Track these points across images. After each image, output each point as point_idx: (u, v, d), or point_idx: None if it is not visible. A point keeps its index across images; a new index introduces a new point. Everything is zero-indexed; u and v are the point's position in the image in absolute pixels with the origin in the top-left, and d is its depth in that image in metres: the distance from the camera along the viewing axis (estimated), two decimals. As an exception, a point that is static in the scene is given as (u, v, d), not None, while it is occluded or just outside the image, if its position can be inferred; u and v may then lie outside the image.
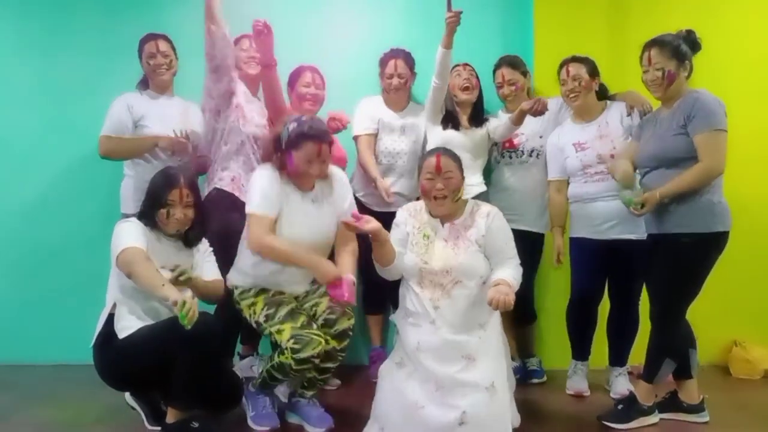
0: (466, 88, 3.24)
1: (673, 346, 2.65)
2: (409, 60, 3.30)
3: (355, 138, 3.36)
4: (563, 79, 3.05)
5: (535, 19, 3.56)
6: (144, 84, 3.11)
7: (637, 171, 2.73)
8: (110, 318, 2.45)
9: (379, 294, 3.37)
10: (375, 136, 3.33)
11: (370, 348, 3.49)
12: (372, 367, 3.32)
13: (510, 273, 2.44)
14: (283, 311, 2.51)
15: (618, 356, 3.12)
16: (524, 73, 3.30)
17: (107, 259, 2.96)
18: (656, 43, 2.62)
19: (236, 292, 2.66)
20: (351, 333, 2.62)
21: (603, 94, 3.12)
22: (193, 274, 2.50)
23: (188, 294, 2.31)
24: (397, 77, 3.27)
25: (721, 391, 3.14)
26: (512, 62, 3.28)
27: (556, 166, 3.17)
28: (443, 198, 2.53)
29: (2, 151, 3.61)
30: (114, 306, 2.46)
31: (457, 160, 2.59)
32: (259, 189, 2.52)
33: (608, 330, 3.16)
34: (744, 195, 3.30)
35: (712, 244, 2.55)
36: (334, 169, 2.74)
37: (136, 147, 2.95)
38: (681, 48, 2.59)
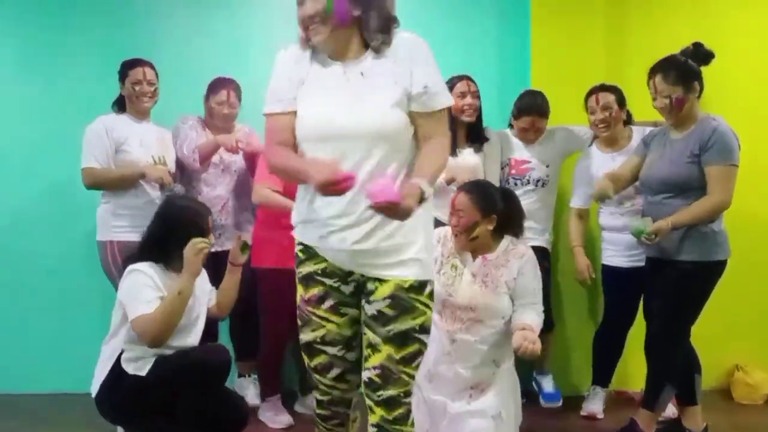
0: (468, 111, 3.07)
1: (673, 372, 2.62)
2: None
3: None
4: (592, 107, 3.01)
5: (532, 32, 3.51)
6: (120, 105, 3.06)
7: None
8: (116, 363, 2.41)
9: None
10: None
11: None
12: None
13: (535, 319, 2.38)
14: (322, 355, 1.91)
15: None
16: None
17: (105, 279, 2.98)
18: (660, 69, 2.56)
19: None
20: (405, 400, 1.81)
21: (628, 121, 3.09)
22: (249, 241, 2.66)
23: None
24: None
25: (724, 415, 3.11)
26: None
27: (583, 195, 3.14)
28: (455, 235, 2.50)
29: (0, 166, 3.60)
30: (121, 352, 2.42)
31: (481, 199, 2.46)
32: None
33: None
34: (746, 218, 3.28)
35: (713, 271, 2.55)
36: None
37: (122, 179, 2.93)
38: (687, 70, 2.54)
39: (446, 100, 1.81)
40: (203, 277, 2.70)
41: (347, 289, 1.85)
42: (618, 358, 3.18)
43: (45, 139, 3.53)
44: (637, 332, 2.97)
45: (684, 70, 2.54)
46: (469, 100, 3.07)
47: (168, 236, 2.46)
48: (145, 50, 3.14)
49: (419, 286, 1.77)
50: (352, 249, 1.76)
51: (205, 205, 2.71)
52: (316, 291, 1.86)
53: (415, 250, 1.77)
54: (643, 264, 2.89)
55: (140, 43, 3.38)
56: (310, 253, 1.86)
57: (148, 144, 2.98)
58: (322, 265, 1.84)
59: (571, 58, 3.30)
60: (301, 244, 1.89)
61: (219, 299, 2.70)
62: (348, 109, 1.74)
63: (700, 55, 2.56)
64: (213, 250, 3.05)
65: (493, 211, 2.46)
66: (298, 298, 1.91)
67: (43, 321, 3.54)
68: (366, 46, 1.78)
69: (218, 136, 3.08)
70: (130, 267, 2.43)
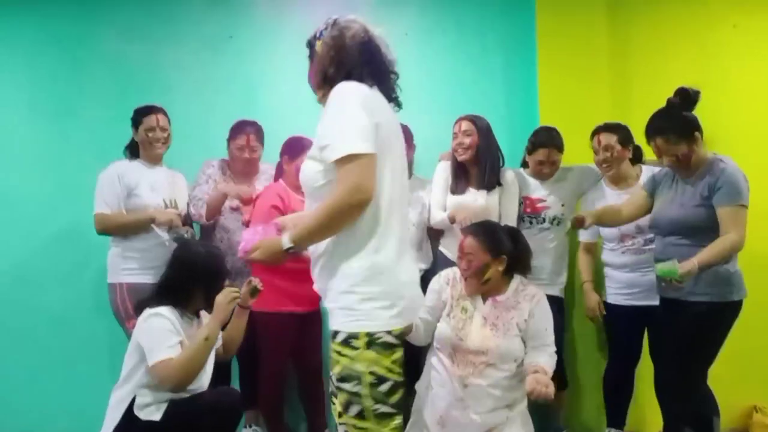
0: (458, 151, 3.07)
1: (691, 414, 2.57)
2: (407, 135, 3.14)
3: None
4: (595, 147, 3.02)
5: (539, 72, 3.50)
6: (133, 150, 3.09)
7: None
8: (129, 408, 2.36)
9: None
10: None
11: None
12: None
13: (547, 360, 2.36)
14: None
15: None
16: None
17: (113, 326, 2.97)
18: (658, 132, 2.55)
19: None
20: None
21: (638, 158, 3.08)
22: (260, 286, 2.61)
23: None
24: None
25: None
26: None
27: (590, 228, 3.10)
28: (465, 279, 2.49)
29: (10, 213, 3.60)
30: (134, 398, 2.37)
31: (489, 240, 2.45)
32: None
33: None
34: (759, 258, 3.24)
35: (728, 312, 2.52)
36: None
37: (133, 224, 2.94)
38: (684, 124, 2.52)
39: (335, 152, 1.64)
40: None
41: None
42: (629, 397, 3.13)
43: (55, 187, 3.56)
44: (650, 373, 2.91)
45: (682, 125, 2.52)
46: (458, 139, 3.07)
47: (187, 281, 2.46)
48: (155, 97, 3.18)
49: (333, 335, 1.75)
50: None
51: (219, 248, 2.71)
52: None
53: (330, 297, 1.78)
54: (643, 302, 2.91)
55: (150, 90, 3.42)
56: None
57: (159, 188, 3.00)
58: None
59: (577, 98, 3.31)
60: None
61: (225, 341, 2.68)
62: None
63: (690, 100, 2.54)
64: None
65: (502, 251, 2.45)
66: None
67: (52, 365, 3.51)
68: None
69: (222, 187, 3.08)
70: (151, 311, 2.39)
